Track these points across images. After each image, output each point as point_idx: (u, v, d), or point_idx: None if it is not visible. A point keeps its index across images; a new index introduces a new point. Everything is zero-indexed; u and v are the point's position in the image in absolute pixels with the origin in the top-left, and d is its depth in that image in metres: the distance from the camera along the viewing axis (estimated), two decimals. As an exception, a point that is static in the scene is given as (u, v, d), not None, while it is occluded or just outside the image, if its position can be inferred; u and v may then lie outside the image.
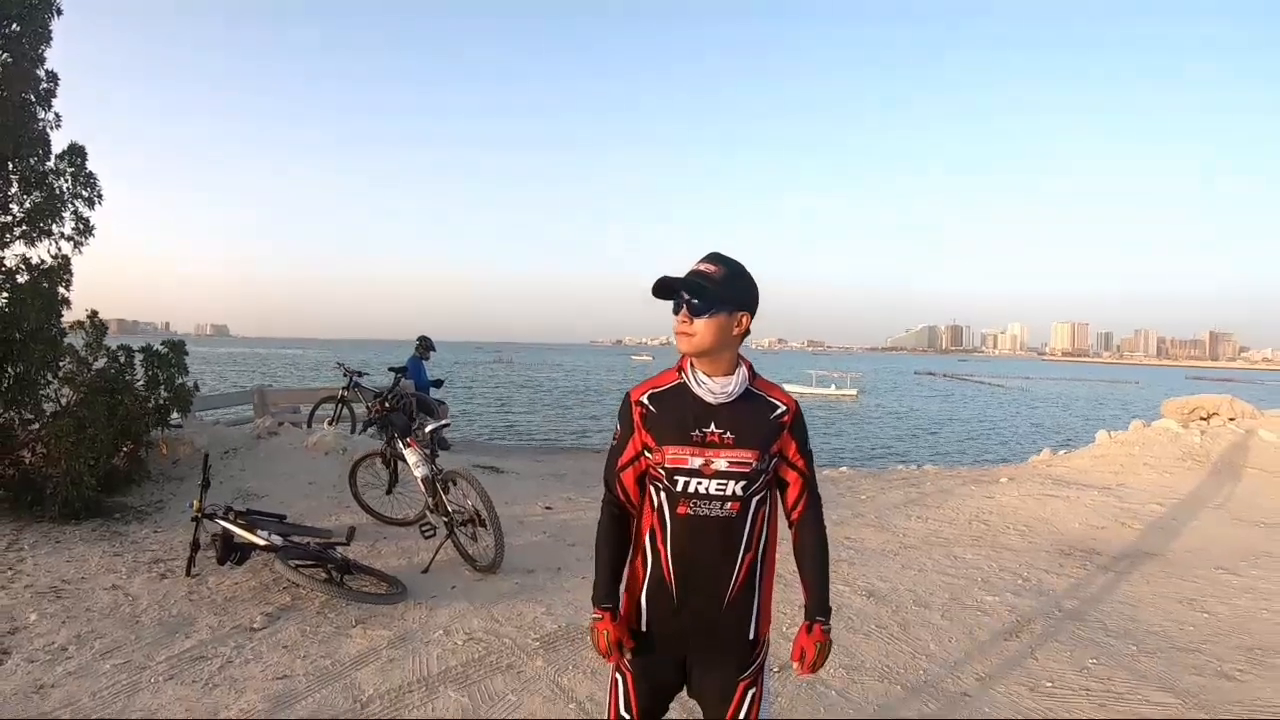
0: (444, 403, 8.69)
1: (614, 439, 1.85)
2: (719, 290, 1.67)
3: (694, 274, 1.69)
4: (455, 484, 4.92)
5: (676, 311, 1.69)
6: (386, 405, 5.61)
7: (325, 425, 8.36)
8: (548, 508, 6.26)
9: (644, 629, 1.81)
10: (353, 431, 8.64)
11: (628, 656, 1.84)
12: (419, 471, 4.99)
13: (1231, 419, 9.02)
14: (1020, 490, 7.14)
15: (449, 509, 4.80)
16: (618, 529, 1.86)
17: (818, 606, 1.81)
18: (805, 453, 1.82)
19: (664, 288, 1.69)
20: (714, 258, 1.72)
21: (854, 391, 44.25)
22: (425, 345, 9.47)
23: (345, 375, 9.01)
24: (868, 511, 6.56)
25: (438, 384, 9.48)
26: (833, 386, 44.94)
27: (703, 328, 1.67)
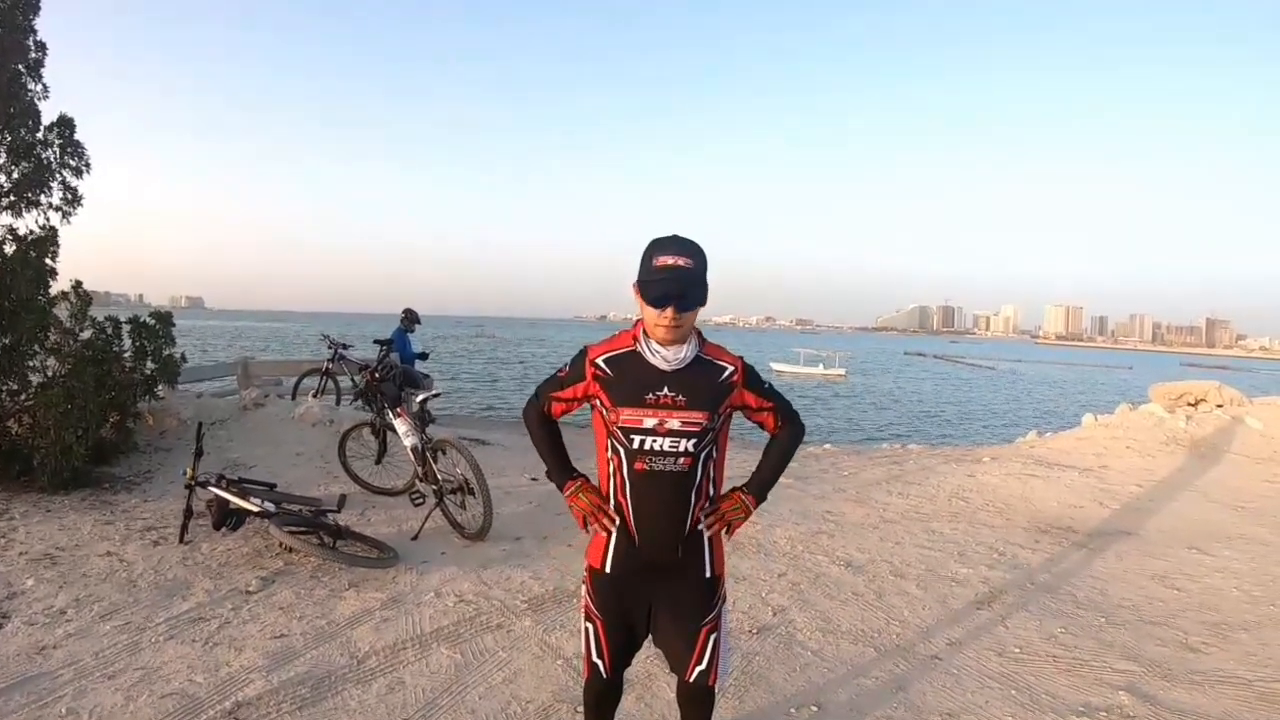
0: (429, 375, 8.73)
1: (560, 372, 1.96)
2: (702, 285, 1.76)
3: (681, 271, 1.73)
4: (444, 453, 4.97)
5: (660, 307, 1.73)
6: (377, 375, 5.66)
7: (310, 397, 8.38)
8: (533, 479, 6.31)
9: (608, 573, 1.93)
10: (337, 403, 8.68)
11: (608, 525, 1.93)
12: (408, 441, 5.05)
13: (1219, 405, 8.98)
14: (1002, 469, 7.21)
15: (438, 477, 4.86)
16: (546, 418, 2.03)
17: (753, 481, 2.00)
18: (766, 393, 1.97)
19: (668, 297, 1.73)
20: (683, 247, 1.76)
21: (842, 371, 44.40)
22: (410, 318, 9.48)
23: (330, 347, 9.02)
24: (849, 487, 6.64)
25: (423, 356, 9.52)
26: (821, 366, 44.99)
27: (688, 319, 1.78)
